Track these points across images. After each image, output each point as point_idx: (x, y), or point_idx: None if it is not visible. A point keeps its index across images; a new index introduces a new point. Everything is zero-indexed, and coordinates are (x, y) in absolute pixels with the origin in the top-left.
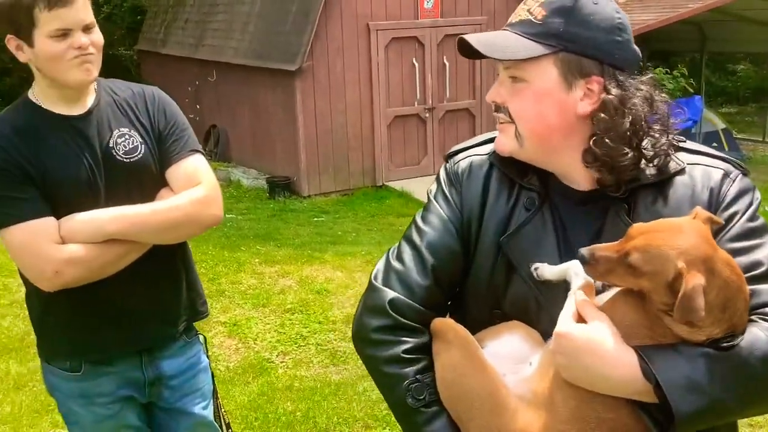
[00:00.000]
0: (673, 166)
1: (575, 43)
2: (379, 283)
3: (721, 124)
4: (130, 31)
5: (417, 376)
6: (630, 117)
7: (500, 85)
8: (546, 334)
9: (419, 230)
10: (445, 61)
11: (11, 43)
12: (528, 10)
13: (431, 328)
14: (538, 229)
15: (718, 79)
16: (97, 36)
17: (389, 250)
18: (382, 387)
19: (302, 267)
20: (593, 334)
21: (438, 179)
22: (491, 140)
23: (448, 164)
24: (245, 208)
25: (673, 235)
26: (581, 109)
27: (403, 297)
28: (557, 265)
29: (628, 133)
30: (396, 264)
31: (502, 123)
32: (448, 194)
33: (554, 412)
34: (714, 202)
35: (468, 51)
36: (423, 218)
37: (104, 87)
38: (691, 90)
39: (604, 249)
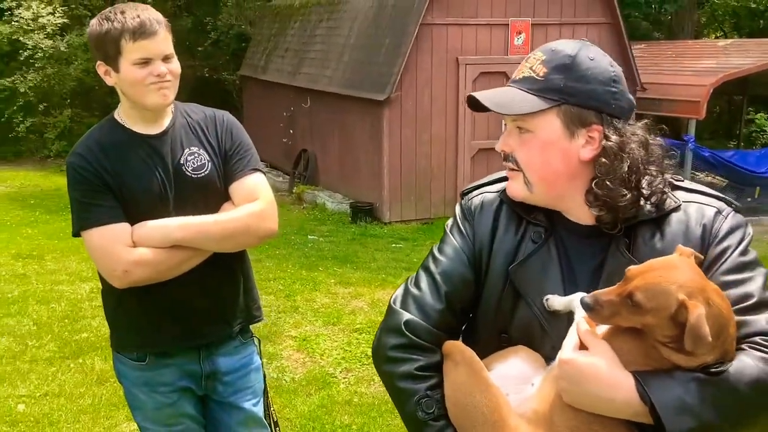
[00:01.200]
0: (669, 203)
1: (575, 96)
2: (397, 306)
3: None
4: (234, 57)
5: (428, 392)
6: (628, 161)
7: (508, 135)
8: (548, 358)
9: (435, 260)
10: None
11: (101, 68)
12: (530, 68)
13: (443, 349)
14: (544, 260)
15: None
16: (175, 65)
17: (408, 278)
18: (396, 400)
19: (375, 290)
20: (594, 360)
21: (454, 215)
22: (501, 179)
23: (463, 201)
24: (327, 230)
25: (669, 271)
26: (584, 155)
27: (417, 319)
28: (562, 296)
29: (626, 175)
30: (413, 289)
31: (511, 170)
32: (462, 228)
33: (553, 431)
34: (707, 237)
35: (477, 105)
36: (439, 249)
37: (180, 110)
38: None
39: (606, 294)
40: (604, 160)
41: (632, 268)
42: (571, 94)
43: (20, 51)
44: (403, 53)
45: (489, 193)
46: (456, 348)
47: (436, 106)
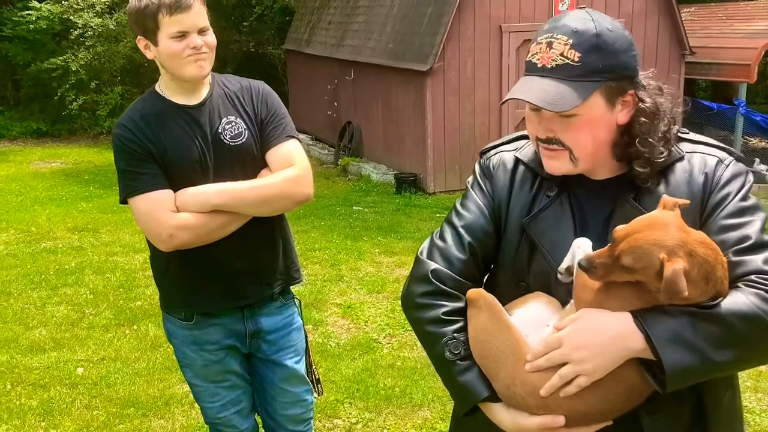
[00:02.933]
0: (674, 153)
1: (613, 72)
2: (423, 257)
3: None
4: (279, 31)
5: (454, 335)
6: (664, 117)
7: (550, 122)
8: (564, 302)
9: (459, 214)
10: None
11: (141, 42)
12: (562, 55)
13: (467, 296)
14: (557, 213)
15: None
16: (211, 38)
17: (433, 232)
18: (425, 343)
19: None
20: (588, 317)
21: (474, 172)
22: (517, 138)
23: (482, 160)
24: (372, 201)
25: (651, 232)
26: (621, 120)
27: (443, 268)
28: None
29: (663, 130)
30: (439, 242)
31: (553, 150)
32: (482, 184)
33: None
34: (709, 185)
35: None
36: (462, 205)
37: (218, 81)
38: None
39: (598, 256)
40: (644, 119)
41: (618, 230)
42: (609, 71)
43: (71, 30)
44: (445, 22)
45: (506, 152)
46: (479, 294)
47: (479, 75)
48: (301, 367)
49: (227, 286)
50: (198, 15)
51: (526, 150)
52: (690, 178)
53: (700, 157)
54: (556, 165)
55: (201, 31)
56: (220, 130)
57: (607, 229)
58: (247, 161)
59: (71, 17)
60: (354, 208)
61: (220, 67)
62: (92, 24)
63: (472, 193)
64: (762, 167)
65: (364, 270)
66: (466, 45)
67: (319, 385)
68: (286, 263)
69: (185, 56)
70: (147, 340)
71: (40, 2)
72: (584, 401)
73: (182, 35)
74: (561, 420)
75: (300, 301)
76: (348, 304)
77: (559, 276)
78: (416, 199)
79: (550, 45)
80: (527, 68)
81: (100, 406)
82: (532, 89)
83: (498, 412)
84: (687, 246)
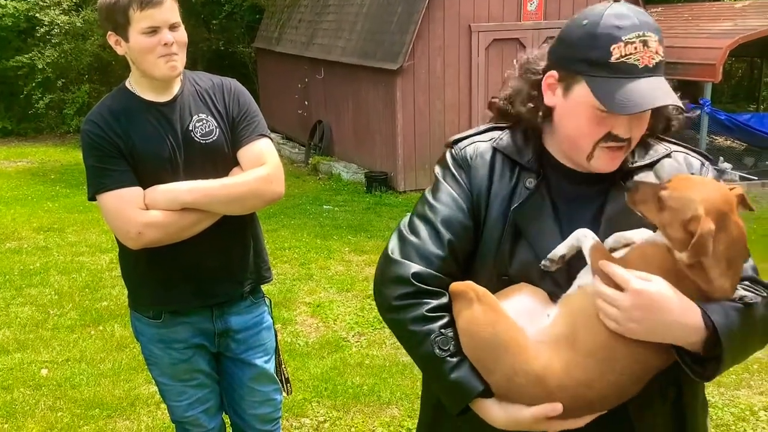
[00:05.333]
0: (661, 150)
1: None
2: (397, 256)
3: None
4: (249, 29)
5: (441, 330)
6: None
7: (638, 120)
8: (550, 293)
9: (432, 207)
10: None
11: (111, 38)
12: (656, 52)
13: (451, 291)
14: (538, 203)
15: None
16: (181, 34)
17: (398, 229)
18: (409, 345)
19: None
20: (662, 289)
21: (445, 163)
22: (489, 129)
23: (453, 150)
24: (342, 200)
25: (703, 187)
26: None
27: (424, 267)
28: (559, 241)
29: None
30: (412, 238)
31: (621, 149)
32: (457, 175)
33: (576, 348)
34: None
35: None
36: (435, 197)
37: (189, 78)
38: None
39: (644, 183)
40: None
41: (679, 175)
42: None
43: (37, 27)
44: (415, 21)
45: (481, 143)
46: (467, 287)
47: (449, 74)
48: (271, 367)
49: (197, 285)
50: (169, 10)
51: (503, 140)
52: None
53: (684, 156)
54: (616, 163)
55: (172, 27)
56: (191, 128)
57: (597, 223)
58: (218, 159)
59: (37, 14)
60: (324, 206)
61: (190, 65)
62: (59, 21)
63: (445, 185)
64: (726, 165)
65: (334, 269)
66: (436, 44)
67: (288, 385)
68: (257, 262)
69: (157, 55)
70: (113, 341)
71: None
72: (594, 388)
73: (153, 31)
74: (559, 408)
75: (270, 300)
76: (317, 303)
77: (545, 263)
78: (387, 198)
79: (645, 43)
80: (627, 70)
81: (65, 408)
82: (656, 93)
83: (490, 408)
84: (725, 219)
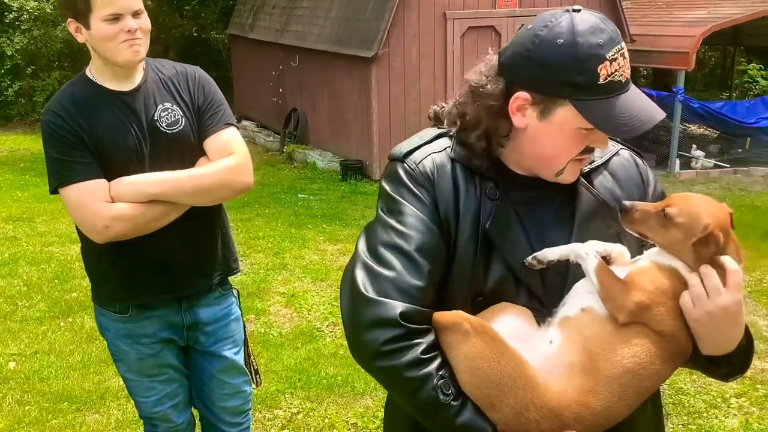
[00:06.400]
0: (610, 147)
1: None
2: (373, 295)
3: None
4: (223, 15)
5: (439, 373)
6: None
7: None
8: (528, 307)
9: (402, 234)
10: None
11: (71, 25)
12: (629, 60)
13: (439, 322)
14: (505, 212)
15: None
16: (145, 21)
17: (360, 261)
18: (405, 391)
19: None
20: (737, 298)
21: (398, 179)
22: (437, 137)
23: (406, 164)
24: (317, 189)
25: (708, 205)
26: None
27: (408, 304)
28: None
29: None
30: (385, 272)
31: (587, 158)
32: (418, 194)
33: (596, 376)
34: (644, 180)
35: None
36: (399, 221)
37: (152, 66)
38: None
39: (642, 204)
40: None
41: (676, 195)
42: None
43: (5, 13)
44: (389, 8)
45: (436, 154)
46: (459, 318)
47: (424, 62)
48: (240, 358)
49: (165, 278)
50: None
51: (456, 150)
52: (631, 173)
53: (627, 153)
54: (580, 171)
55: (135, 14)
56: (156, 118)
57: (569, 226)
58: (185, 150)
59: (6, 0)
60: (299, 195)
61: (162, 52)
62: (28, 7)
63: (408, 205)
64: (699, 153)
65: (308, 258)
66: (411, 31)
67: (258, 376)
68: (225, 253)
69: (120, 41)
70: (82, 333)
71: None
72: (611, 417)
73: (116, 18)
74: None
75: (238, 291)
76: (291, 293)
77: (530, 261)
78: (362, 186)
79: (623, 56)
80: (614, 88)
81: (33, 401)
82: (643, 108)
83: None
84: (728, 236)
